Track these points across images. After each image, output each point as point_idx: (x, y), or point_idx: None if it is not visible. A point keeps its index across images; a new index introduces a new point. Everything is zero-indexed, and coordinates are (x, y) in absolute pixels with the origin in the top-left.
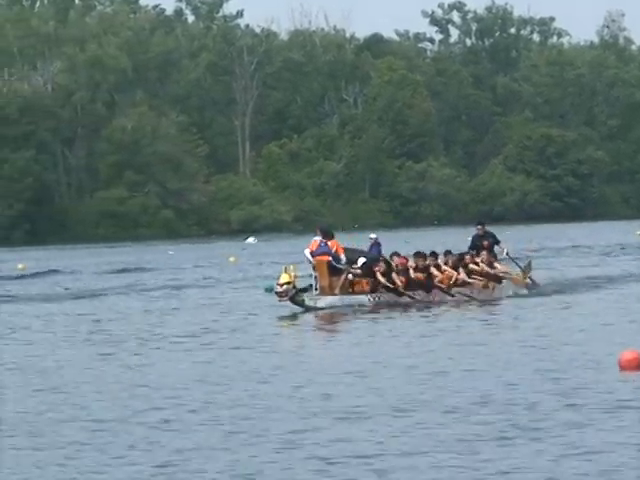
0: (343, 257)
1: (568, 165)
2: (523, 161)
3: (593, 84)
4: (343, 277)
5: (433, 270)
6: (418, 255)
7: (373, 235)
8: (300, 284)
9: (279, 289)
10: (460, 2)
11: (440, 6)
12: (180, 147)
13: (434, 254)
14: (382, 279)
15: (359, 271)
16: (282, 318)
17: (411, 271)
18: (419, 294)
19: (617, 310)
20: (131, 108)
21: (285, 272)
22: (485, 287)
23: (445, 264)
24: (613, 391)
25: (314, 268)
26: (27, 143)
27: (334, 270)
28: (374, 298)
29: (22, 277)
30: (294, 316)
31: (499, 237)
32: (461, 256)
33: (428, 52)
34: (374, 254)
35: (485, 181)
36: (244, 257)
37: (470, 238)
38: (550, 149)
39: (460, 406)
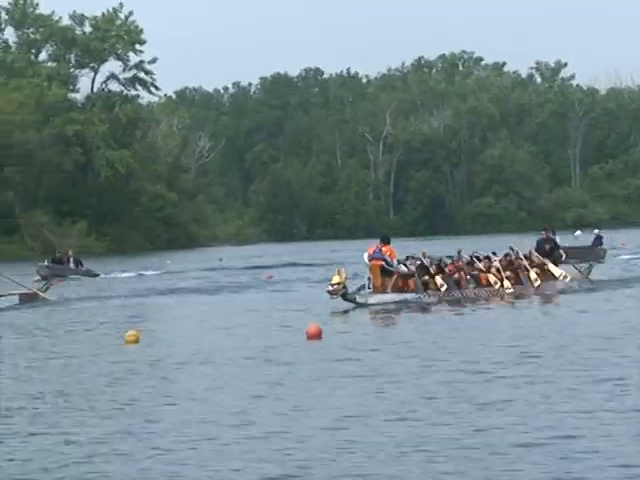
0: (395, 261)
1: None
2: None
3: None
4: (394, 278)
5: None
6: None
7: (596, 231)
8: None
9: (330, 288)
10: None
11: None
12: (531, 168)
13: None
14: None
15: (405, 269)
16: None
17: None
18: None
19: None
20: (497, 142)
21: (337, 274)
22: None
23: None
24: None
25: (370, 269)
26: (426, 165)
27: (386, 272)
28: (421, 296)
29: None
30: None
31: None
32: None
33: None
34: (592, 247)
35: None
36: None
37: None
38: None
39: None
